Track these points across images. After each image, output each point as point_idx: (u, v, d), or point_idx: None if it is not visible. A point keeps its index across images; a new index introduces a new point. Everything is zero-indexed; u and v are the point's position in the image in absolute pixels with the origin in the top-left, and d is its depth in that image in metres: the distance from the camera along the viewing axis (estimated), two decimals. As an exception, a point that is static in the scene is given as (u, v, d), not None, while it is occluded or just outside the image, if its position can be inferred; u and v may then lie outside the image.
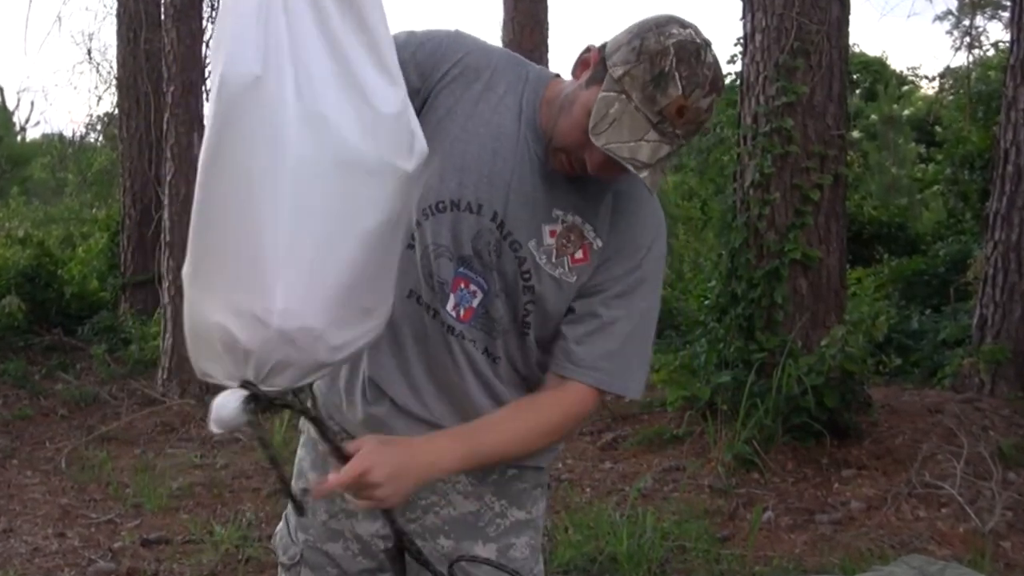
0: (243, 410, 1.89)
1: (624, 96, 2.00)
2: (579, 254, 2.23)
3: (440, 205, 2.22)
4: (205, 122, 1.82)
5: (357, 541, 2.42)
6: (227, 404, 1.89)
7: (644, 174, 2.01)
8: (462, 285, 2.24)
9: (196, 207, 1.83)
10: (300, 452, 2.55)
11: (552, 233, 2.22)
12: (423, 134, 1.97)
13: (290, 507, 2.44)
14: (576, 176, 2.18)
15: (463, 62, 2.24)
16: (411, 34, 2.27)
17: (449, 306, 2.25)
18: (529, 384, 2.35)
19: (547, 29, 12.63)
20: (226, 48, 1.78)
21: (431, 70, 2.23)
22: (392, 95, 1.89)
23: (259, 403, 1.91)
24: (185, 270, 1.91)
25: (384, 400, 2.33)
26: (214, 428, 1.91)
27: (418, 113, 2.05)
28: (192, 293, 1.92)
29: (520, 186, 2.21)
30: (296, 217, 1.81)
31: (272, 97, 1.77)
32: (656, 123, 1.99)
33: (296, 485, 2.49)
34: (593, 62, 2.11)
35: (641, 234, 2.28)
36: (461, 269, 2.23)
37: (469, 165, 2.21)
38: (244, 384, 1.89)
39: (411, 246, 2.24)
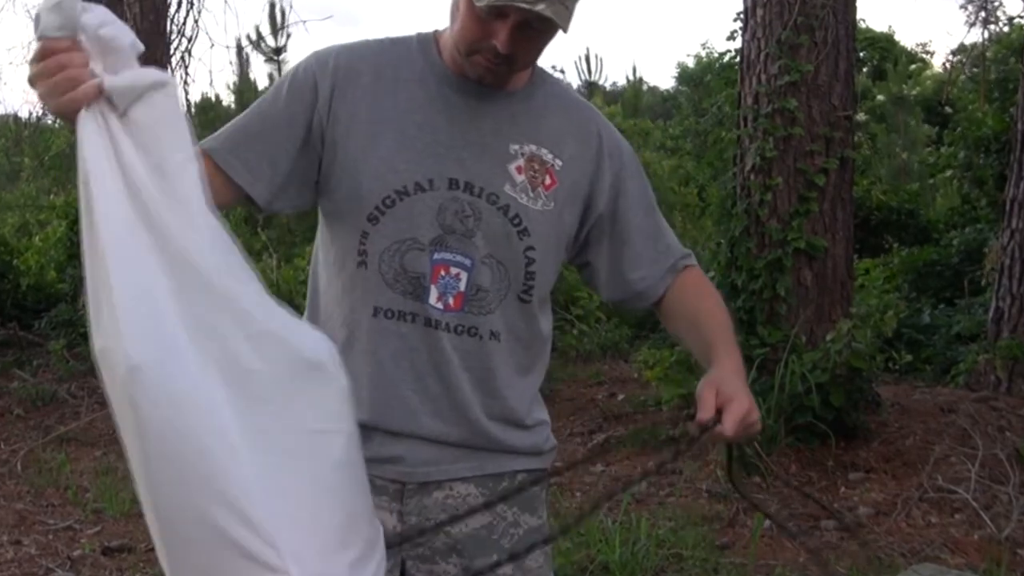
0: None
1: None
2: (547, 180, 2.33)
3: (387, 201, 2.24)
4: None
5: None
6: None
7: (541, 7, 2.08)
8: (442, 272, 2.25)
9: (155, 527, 1.77)
10: None
11: (519, 169, 2.31)
12: (340, 158, 2.18)
13: None
14: (510, 98, 2.34)
15: (334, 73, 2.30)
16: (274, 100, 2.32)
17: (432, 299, 2.26)
18: (530, 352, 2.41)
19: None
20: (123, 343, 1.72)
21: (309, 108, 2.27)
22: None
23: None
24: None
25: (377, 435, 2.31)
26: None
27: (322, 154, 2.26)
28: None
29: (466, 140, 2.27)
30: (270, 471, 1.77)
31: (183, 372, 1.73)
32: None
33: None
34: None
35: (585, 128, 2.43)
36: (436, 255, 2.25)
37: (397, 150, 2.26)
38: None
39: (362, 263, 2.27)
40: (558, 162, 2.34)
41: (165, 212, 1.76)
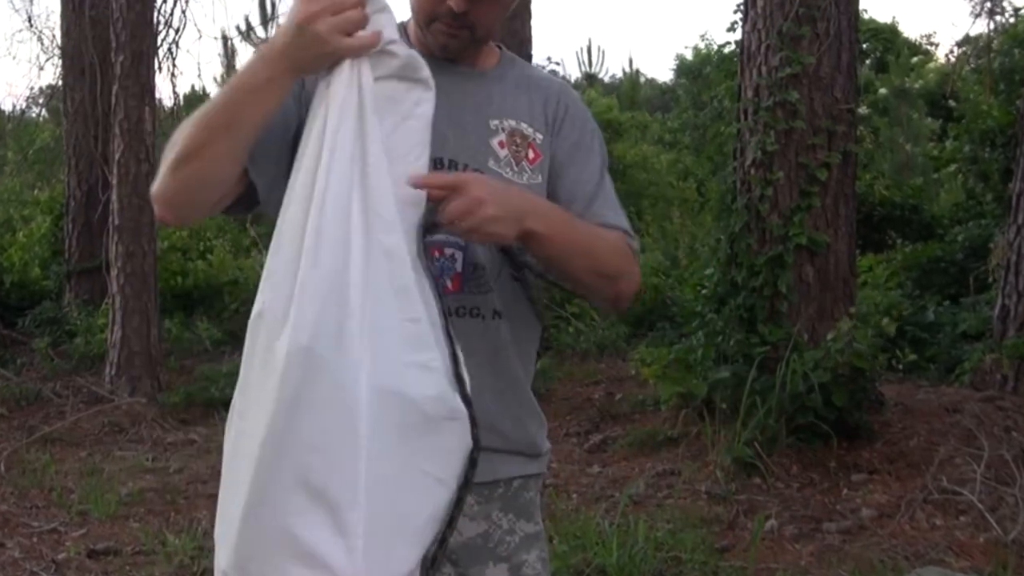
0: None
1: None
2: (531, 153, 2.35)
3: None
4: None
5: None
6: None
7: None
8: (436, 254, 2.23)
9: (243, 489, 1.85)
10: None
11: (501, 144, 2.32)
12: None
13: None
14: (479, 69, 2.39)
15: None
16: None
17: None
18: (530, 335, 2.41)
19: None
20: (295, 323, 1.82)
21: (297, 97, 2.20)
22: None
23: None
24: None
25: None
26: None
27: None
28: None
29: (447, 119, 2.25)
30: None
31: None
32: None
33: None
34: None
35: (556, 100, 2.44)
36: (428, 237, 2.18)
37: None
38: None
39: None
40: (539, 136, 2.35)
41: (385, 208, 1.91)
